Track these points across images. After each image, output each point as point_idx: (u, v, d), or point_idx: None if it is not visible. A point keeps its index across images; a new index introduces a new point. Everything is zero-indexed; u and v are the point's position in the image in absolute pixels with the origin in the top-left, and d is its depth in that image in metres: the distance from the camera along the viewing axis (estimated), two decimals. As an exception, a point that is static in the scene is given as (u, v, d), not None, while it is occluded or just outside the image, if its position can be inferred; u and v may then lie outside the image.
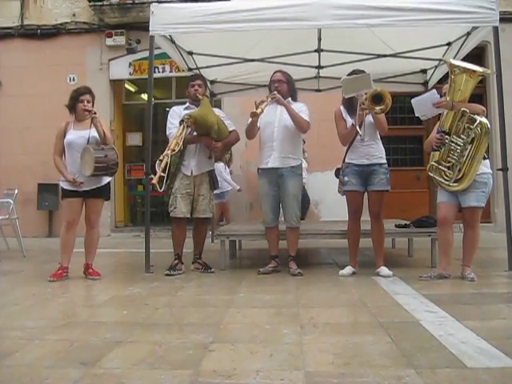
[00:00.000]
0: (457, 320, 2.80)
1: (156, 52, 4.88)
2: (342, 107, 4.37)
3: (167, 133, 4.58)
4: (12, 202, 6.11)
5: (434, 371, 2.06)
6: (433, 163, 4.04)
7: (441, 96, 4.10)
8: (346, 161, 4.35)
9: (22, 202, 7.87)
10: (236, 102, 7.77)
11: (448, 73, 3.94)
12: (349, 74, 4.24)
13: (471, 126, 3.84)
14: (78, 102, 4.35)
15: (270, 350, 2.37)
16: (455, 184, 3.94)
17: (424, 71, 6.59)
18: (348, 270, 4.33)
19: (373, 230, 4.35)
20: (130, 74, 9.08)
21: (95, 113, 4.28)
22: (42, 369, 2.18)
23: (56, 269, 4.37)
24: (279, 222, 4.65)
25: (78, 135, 4.32)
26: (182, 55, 5.67)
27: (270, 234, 4.58)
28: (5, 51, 9.04)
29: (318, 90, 6.90)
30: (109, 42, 8.86)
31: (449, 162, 3.96)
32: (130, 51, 8.79)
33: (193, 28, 4.52)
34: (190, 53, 5.82)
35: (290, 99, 4.51)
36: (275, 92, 4.38)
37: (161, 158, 4.27)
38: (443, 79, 5.90)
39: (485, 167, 3.97)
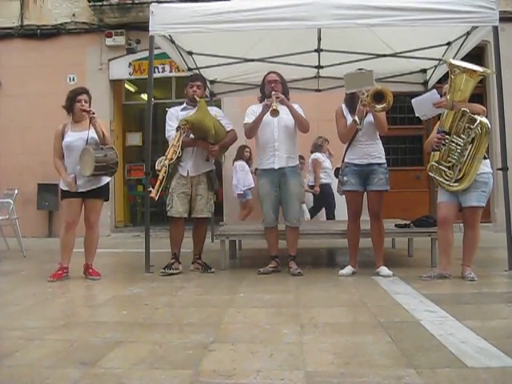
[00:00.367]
0: (457, 320, 2.81)
1: (156, 52, 4.87)
2: (343, 105, 4.37)
3: (166, 135, 4.59)
4: (12, 202, 6.11)
5: (434, 371, 2.06)
6: (433, 163, 4.04)
7: (441, 96, 4.10)
8: (346, 160, 4.35)
9: (21, 202, 7.86)
10: (236, 102, 7.76)
11: (448, 73, 3.94)
12: None
13: (471, 126, 3.84)
14: (75, 103, 4.34)
15: (270, 349, 2.37)
16: (456, 184, 3.94)
17: (424, 71, 6.60)
18: (348, 269, 4.33)
19: (372, 229, 4.35)
20: (130, 74, 9.08)
21: (94, 113, 4.27)
22: (42, 369, 2.18)
23: (56, 269, 4.37)
24: (278, 222, 4.65)
25: (76, 137, 4.31)
26: (181, 55, 5.67)
27: (270, 234, 4.58)
28: (5, 51, 9.04)
29: (318, 90, 6.90)
30: (109, 42, 8.86)
31: (449, 161, 3.96)
32: (130, 51, 8.79)
33: (192, 28, 4.52)
34: (190, 53, 5.82)
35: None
36: (278, 92, 4.39)
37: (158, 167, 4.28)
38: (443, 79, 5.91)
39: (485, 167, 3.97)
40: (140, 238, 7.06)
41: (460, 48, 5.28)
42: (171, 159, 4.30)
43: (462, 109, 3.84)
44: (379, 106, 4.03)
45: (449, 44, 5.53)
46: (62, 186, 4.40)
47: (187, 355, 2.33)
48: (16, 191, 6.30)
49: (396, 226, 4.96)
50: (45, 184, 8.56)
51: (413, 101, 4.27)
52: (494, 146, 6.80)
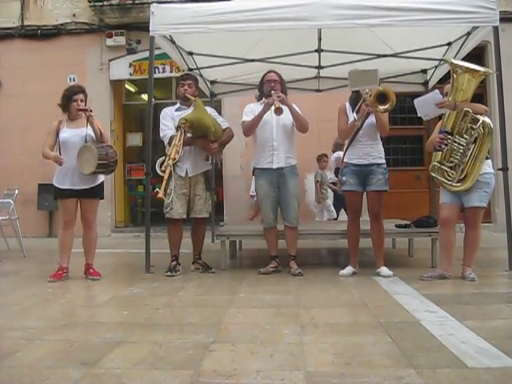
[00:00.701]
0: (457, 320, 2.80)
1: (156, 52, 4.87)
2: (347, 103, 4.37)
3: (161, 135, 4.57)
4: (12, 202, 6.11)
5: (434, 371, 2.06)
6: (435, 163, 4.03)
7: (443, 96, 4.09)
8: (345, 160, 4.35)
9: (22, 202, 7.86)
10: (236, 102, 7.75)
11: (448, 72, 3.94)
12: None
13: (474, 126, 3.83)
14: (71, 102, 4.33)
15: (271, 350, 2.37)
16: (458, 184, 3.93)
17: (424, 71, 6.59)
18: (348, 270, 4.32)
19: (372, 230, 4.35)
20: (130, 74, 9.07)
21: (91, 111, 4.26)
22: (42, 369, 2.18)
23: (56, 269, 4.37)
24: (277, 222, 4.65)
25: (72, 133, 4.30)
26: (182, 55, 5.66)
27: (270, 234, 4.58)
28: (5, 51, 9.03)
29: (318, 90, 6.90)
30: (109, 42, 8.85)
31: (451, 162, 3.95)
32: (130, 51, 8.79)
33: (193, 28, 4.52)
34: (190, 53, 5.82)
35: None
36: (278, 92, 4.39)
37: (163, 168, 4.28)
38: (443, 79, 5.91)
39: (487, 167, 3.96)
40: (140, 238, 7.06)
41: (460, 48, 5.28)
42: (174, 159, 4.31)
43: (465, 109, 3.83)
44: (382, 107, 4.02)
45: (449, 44, 5.53)
46: (56, 184, 4.36)
47: (187, 355, 2.33)
48: (16, 191, 6.30)
49: (396, 226, 4.96)
50: (45, 184, 8.53)
51: (415, 101, 4.25)
52: (495, 146, 6.79)
